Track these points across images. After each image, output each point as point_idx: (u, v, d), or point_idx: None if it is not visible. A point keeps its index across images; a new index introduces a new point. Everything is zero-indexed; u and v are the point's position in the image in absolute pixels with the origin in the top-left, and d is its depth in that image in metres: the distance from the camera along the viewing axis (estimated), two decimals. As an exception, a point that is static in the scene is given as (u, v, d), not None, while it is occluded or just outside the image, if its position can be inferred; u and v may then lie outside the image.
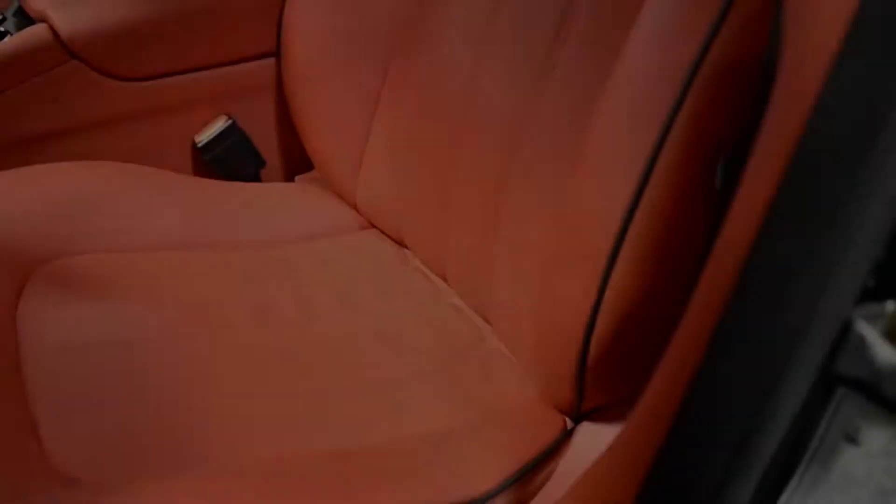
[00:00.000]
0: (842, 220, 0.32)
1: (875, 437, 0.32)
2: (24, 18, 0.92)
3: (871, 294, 0.34)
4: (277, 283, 0.81)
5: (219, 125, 0.97)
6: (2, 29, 0.88)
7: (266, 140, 1.01)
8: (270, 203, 0.92)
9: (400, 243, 0.91)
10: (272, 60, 0.98)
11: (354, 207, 0.94)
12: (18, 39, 0.85)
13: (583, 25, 0.66)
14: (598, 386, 0.59)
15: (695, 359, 0.37)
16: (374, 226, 0.93)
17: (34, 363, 0.66)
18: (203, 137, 0.97)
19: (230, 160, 0.98)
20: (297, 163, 1.04)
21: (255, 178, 1.02)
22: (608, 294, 0.52)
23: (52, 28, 0.87)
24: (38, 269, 0.76)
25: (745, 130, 0.47)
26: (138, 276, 0.78)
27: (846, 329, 0.32)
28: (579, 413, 0.64)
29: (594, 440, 0.63)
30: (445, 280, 0.84)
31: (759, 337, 0.34)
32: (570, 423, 0.66)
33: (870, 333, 0.31)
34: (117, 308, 0.73)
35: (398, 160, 0.86)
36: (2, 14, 0.92)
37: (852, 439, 0.33)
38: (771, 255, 0.34)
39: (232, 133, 0.98)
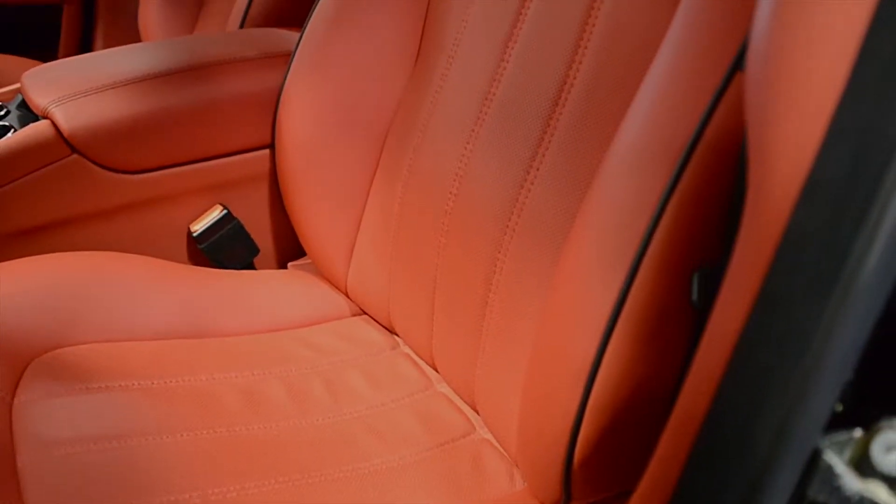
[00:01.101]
0: (810, 349, 0.34)
1: (849, 558, 0.34)
2: (27, 110, 0.95)
3: (840, 418, 0.36)
4: (269, 372, 0.82)
5: (214, 214, 0.99)
6: (6, 123, 0.91)
7: (259, 227, 1.04)
8: (263, 291, 0.94)
9: (390, 329, 0.93)
10: (266, 151, 1.01)
11: (345, 293, 0.96)
12: (22, 136, 0.88)
13: (568, 127, 0.69)
14: (585, 485, 0.61)
15: (676, 471, 0.39)
16: (364, 312, 0.95)
17: (29, 457, 0.67)
18: (198, 227, 0.99)
19: (225, 248, 1.00)
20: (290, 249, 1.06)
21: (249, 265, 1.04)
22: (592, 399, 0.54)
23: (54, 124, 0.89)
24: (34, 360, 0.77)
25: (722, 246, 0.50)
26: (132, 366, 0.79)
27: (816, 456, 0.34)
28: (567, 510, 0.66)
29: (582, 538, 0.64)
30: (435, 367, 0.86)
31: (733, 459, 0.36)
32: (557, 519, 0.68)
33: (837, 464, 0.33)
34: (111, 400, 0.74)
35: (387, 249, 0.88)
36: (6, 108, 0.95)
37: (828, 559, 0.34)
38: (742, 382, 0.36)
39: (226, 222, 1.00)
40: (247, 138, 0.99)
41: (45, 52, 1.71)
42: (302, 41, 0.94)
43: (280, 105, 0.95)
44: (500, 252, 0.73)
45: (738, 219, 0.41)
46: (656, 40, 0.63)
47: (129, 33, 1.64)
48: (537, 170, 0.71)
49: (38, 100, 0.91)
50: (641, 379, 0.53)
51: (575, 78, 0.69)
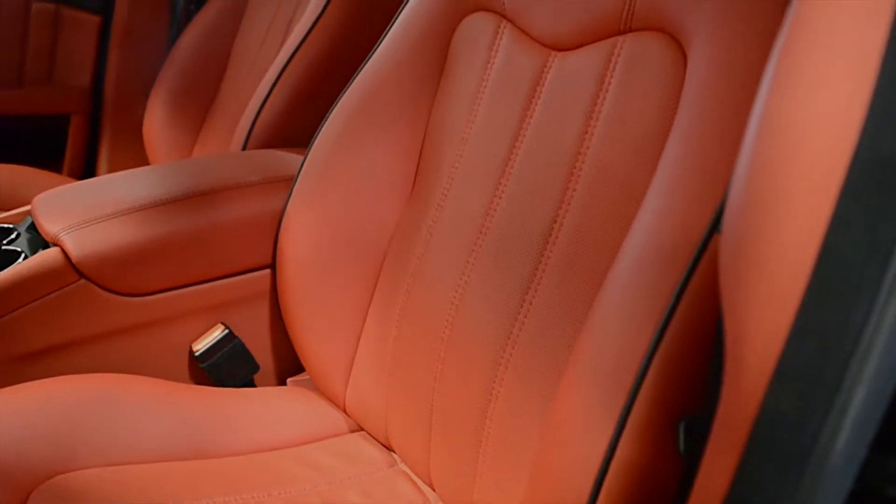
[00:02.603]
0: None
1: None
2: (36, 233, 0.98)
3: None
4: (269, 495, 0.83)
5: (216, 334, 1.02)
6: (16, 248, 0.94)
7: (260, 345, 1.06)
8: (264, 409, 0.95)
9: (387, 446, 0.94)
10: (267, 271, 1.04)
11: (344, 410, 0.97)
12: (33, 263, 0.90)
13: (559, 264, 0.72)
14: None
15: None
16: (362, 428, 0.97)
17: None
18: (200, 346, 1.01)
19: (226, 367, 1.02)
20: (290, 365, 1.08)
21: (249, 383, 1.05)
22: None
23: (64, 252, 0.92)
24: (36, 488, 0.78)
25: (708, 398, 0.52)
26: (133, 492, 0.79)
27: None
28: None
29: None
30: (432, 486, 0.87)
31: None
32: None
33: None
34: (113, 530, 0.75)
35: (385, 369, 0.90)
36: (16, 230, 0.98)
37: None
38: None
39: (228, 341, 1.02)
40: (248, 259, 1.02)
41: (53, 161, 1.77)
42: (305, 165, 0.98)
43: (282, 227, 0.98)
44: (495, 382, 0.75)
45: (721, 364, 0.43)
46: (643, 184, 0.66)
47: (133, 143, 1.69)
48: (530, 303, 0.73)
49: (49, 227, 0.94)
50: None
51: (564, 217, 0.73)
